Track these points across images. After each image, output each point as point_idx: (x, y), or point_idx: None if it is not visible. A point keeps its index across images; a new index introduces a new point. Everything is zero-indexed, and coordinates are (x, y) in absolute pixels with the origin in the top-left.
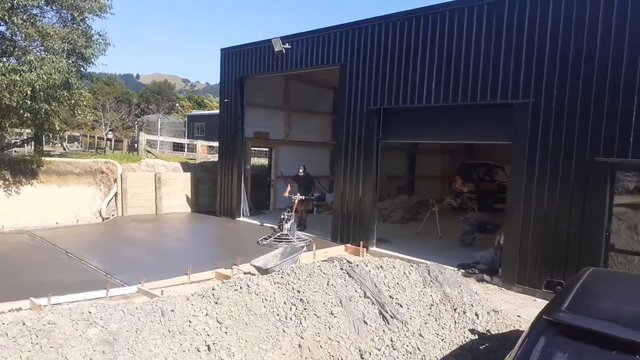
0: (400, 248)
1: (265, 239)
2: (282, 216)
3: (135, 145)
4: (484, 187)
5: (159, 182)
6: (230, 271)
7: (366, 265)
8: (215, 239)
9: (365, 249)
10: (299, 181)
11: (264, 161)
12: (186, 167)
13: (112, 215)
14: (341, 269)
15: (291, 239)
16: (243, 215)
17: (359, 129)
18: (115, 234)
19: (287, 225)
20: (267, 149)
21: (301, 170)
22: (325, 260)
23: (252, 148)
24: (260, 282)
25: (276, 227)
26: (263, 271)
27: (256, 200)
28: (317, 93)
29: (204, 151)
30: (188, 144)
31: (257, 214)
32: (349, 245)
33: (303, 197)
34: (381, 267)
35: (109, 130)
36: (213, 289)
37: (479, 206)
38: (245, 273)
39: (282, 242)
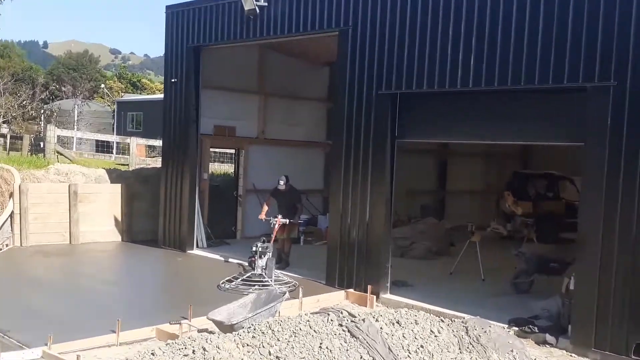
0: (425, 295)
1: (230, 281)
2: (253, 248)
3: (42, 144)
4: (546, 208)
5: (75, 198)
6: (179, 328)
7: (376, 321)
8: (156, 281)
9: (375, 297)
10: (280, 198)
11: (228, 168)
12: (115, 176)
13: (6, 245)
14: (340, 325)
15: (267, 281)
16: (197, 246)
17: (365, 123)
18: (10, 272)
19: (261, 262)
20: (232, 151)
21: (282, 183)
22: (317, 313)
23: (212, 150)
24: (221, 344)
25: (246, 264)
26: (226, 328)
27: (217, 225)
28: (306, 71)
29: (141, 153)
30: (118, 143)
31: (219, 244)
32: (351, 290)
33: (286, 221)
34: (398, 322)
35: (3, 123)
36: (153, 354)
37: (539, 235)
38: (200, 331)
39: (254, 285)
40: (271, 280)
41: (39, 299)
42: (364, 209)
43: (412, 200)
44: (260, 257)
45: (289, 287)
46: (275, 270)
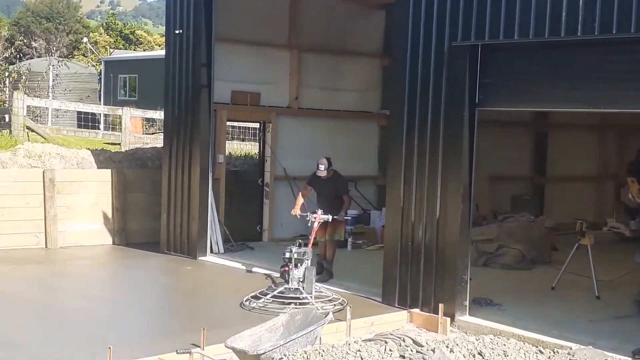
0: (518, 317)
1: (257, 297)
2: (287, 254)
3: (6, 117)
4: None
5: (51, 188)
6: (189, 358)
7: (451, 351)
8: (158, 298)
9: (448, 319)
10: (320, 188)
11: (251, 148)
12: (103, 159)
13: None
14: (402, 357)
15: (306, 297)
16: (212, 251)
17: (435, 86)
18: None
19: (297, 273)
20: (256, 125)
21: (322, 167)
22: (370, 340)
23: (230, 123)
24: None
25: (276, 275)
26: (250, 359)
27: (238, 224)
28: (354, 17)
29: (137, 129)
30: (107, 116)
31: (239, 249)
32: (416, 311)
33: (328, 218)
34: (481, 354)
35: None
36: None
37: None
38: None
39: (288, 304)
40: (311, 297)
41: (4, 322)
42: (434, 202)
43: (499, 190)
44: (296, 266)
45: (334, 305)
46: (316, 284)
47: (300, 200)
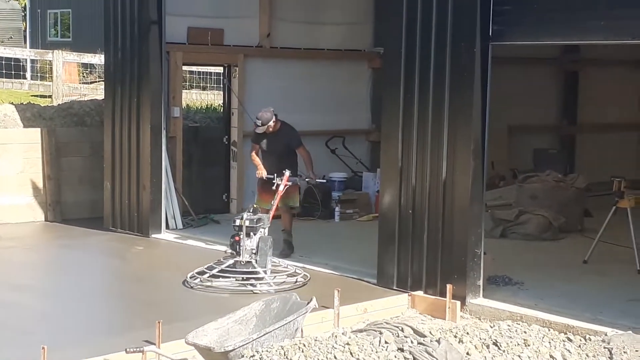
0: (541, 298)
1: (203, 273)
2: (237, 221)
3: None
4: None
5: None
6: (142, 358)
7: (460, 342)
8: (103, 285)
9: (458, 303)
10: (266, 144)
11: (213, 98)
12: (31, 115)
13: None
14: (400, 350)
15: (259, 272)
16: (168, 227)
17: (439, 15)
18: None
19: (249, 243)
20: (219, 70)
21: (260, 122)
22: (362, 331)
23: (187, 68)
24: None
25: (227, 248)
26: (216, 357)
27: (199, 193)
28: None
29: (72, 77)
30: (34, 61)
31: (202, 223)
32: (419, 293)
33: (296, 180)
34: (496, 344)
35: None
36: None
37: None
38: None
39: (237, 279)
40: (265, 272)
41: None
42: (439, 161)
43: (520, 143)
44: (248, 235)
45: (296, 281)
46: (274, 259)
47: (257, 159)
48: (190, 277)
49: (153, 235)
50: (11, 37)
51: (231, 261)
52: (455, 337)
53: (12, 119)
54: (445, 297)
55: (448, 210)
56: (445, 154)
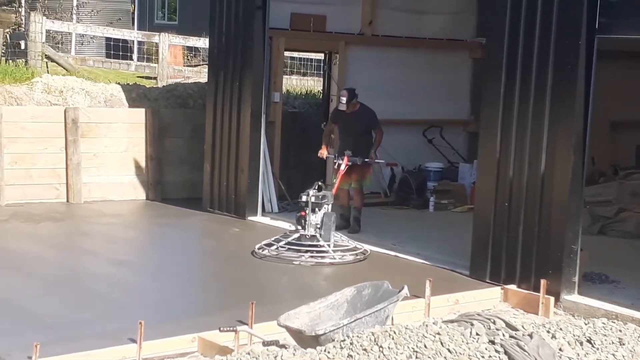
0: (639, 298)
1: (270, 245)
2: (303, 198)
3: (22, 44)
4: None
5: (74, 131)
6: (234, 338)
7: (553, 337)
8: (198, 265)
9: (552, 299)
10: (344, 123)
11: (313, 84)
12: (136, 96)
13: None
14: (492, 342)
15: (323, 246)
16: (265, 210)
17: (544, 6)
18: None
19: (314, 218)
20: (320, 57)
21: (344, 99)
22: (454, 322)
23: (288, 54)
24: None
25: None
26: (307, 340)
27: (297, 177)
28: None
29: (177, 60)
30: (141, 43)
31: (297, 207)
32: (512, 287)
33: (356, 160)
34: (590, 341)
35: None
36: None
37: None
38: (266, 343)
39: (302, 252)
40: (329, 246)
41: (18, 289)
42: (538, 154)
43: (622, 139)
44: (313, 210)
45: (357, 255)
46: (336, 233)
47: (325, 139)
48: (258, 248)
49: (249, 218)
50: (119, 19)
51: (297, 235)
52: (548, 332)
53: (118, 99)
54: (538, 292)
55: (546, 204)
56: (544, 148)
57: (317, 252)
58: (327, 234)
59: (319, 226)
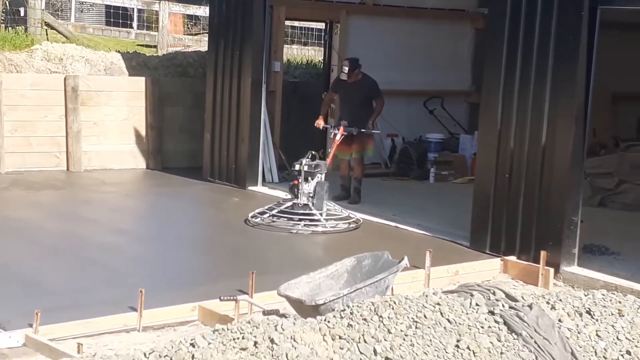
0: (639, 269)
1: (263, 213)
2: (296, 166)
3: (21, 10)
4: None
5: (74, 99)
6: (234, 307)
7: (552, 308)
8: (198, 234)
9: (552, 270)
10: (345, 92)
11: (314, 54)
12: (136, 64)
13: None
14: (491, 313)
15: (315, 214)
16: (265, 180)
17: None
18: None
19: (307, 187)
20: (321, 26)
21: (346, 69)
22: (453, 292)
23: (289, 23)
24: (299, 334)
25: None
26: (307, 310)
27: (296, 147)
28: None
29: (177, 28)
30: (141, 11)
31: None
32: (512, 258)
33: (352, 130)
34: (589, 312)
35: None
36: (193, 346)
37: None
38: (266, 312)
39: (294, 220)
40: (320, 214)
41: (18, 257)
42: (539, 125)
43: (623, 111)
44: (306, 179)
45: (350, 224)
46: (329, 203)
47: (324, 109)
48: (252, 217)
49: (249, 188)
50: None
51: (290, 203)
52: (548, 303)
53: (119, 67)
54: (538, 263)
55: (546, 176)
56: (546, 119)
57: (310, 220)
58: (319, 203)
59: (311, 195)
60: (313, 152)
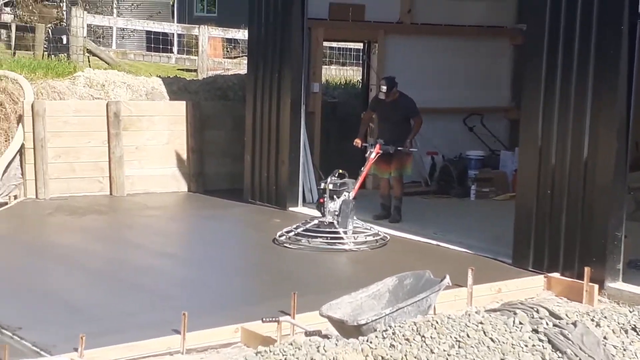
0: None
1: (291, 231)
2: (322, 185)
3: (64, 38)
4: None
5: (116, 124)
6: (276, 328)
7: (597, 326)
8: (240, 255)
9: (596, 286)
10: (382, 111)
11: (352, 74)
12: (177, 89)
13: (15, 197)
14: (535, 331)
15: (339, 232)
16: (305, 201)
17: None
18: (21, 239)
19: (332, 205)
20: (359, 46)
21: (384, 88)
22: (496, 311)
23: (327, 44)
24: (341, 354)
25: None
26: (349, 330)
27: (335, 167)
28: None
29: (217, 52)
30: (181, 36)
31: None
32: (556, 275)
33: (389, 149)
34: (635, 329)
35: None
36: None
37: None
38: (308, 333)
39: (320, 238)
40: (346, 233)
41: (63, 281)
42: (581, 140)
43: None
44: (332, 198)
45: (377, 241)
46: (357, 221)
47: (363, 128)
48: (279, 236)
49: (290, 209)
50: (159, 12)
51: (316, 221)
52: (593, 320)
53: (159, 92)
54: (582, 280)
55: (589, 191)
56: (587, 134)
57: (332, 238)
58: (344, 221)
59: (337, 213)
60: (340, 171)
